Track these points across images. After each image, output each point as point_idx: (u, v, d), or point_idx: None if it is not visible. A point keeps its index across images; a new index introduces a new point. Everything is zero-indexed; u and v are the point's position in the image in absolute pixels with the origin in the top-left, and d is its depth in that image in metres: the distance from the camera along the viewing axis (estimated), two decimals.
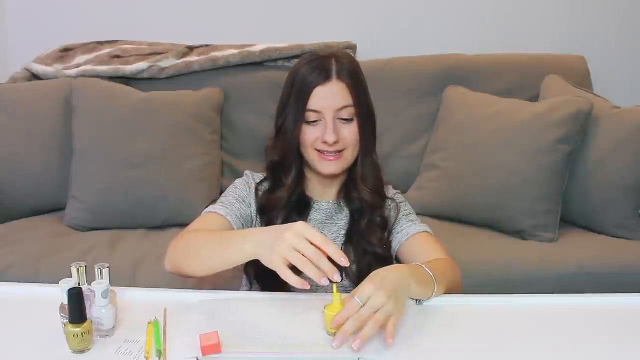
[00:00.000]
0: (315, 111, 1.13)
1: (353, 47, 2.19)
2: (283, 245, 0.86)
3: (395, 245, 1.21)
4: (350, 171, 1.21)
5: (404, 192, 1.96)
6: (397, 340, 0.91)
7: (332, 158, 1.15)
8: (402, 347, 0.90)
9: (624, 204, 1.77)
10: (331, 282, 0.86)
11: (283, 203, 1.18)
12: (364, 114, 1.16)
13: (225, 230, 1.11)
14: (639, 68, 2.42)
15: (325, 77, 1.12)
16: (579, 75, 2.12)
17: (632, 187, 1.75)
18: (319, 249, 0.85)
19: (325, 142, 1.13)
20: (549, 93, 2.01)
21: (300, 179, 1.21)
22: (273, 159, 1.20)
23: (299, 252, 0.85)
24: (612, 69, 2.35)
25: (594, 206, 1.81)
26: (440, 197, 1.92)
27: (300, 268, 0.85)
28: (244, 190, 1.22)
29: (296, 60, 1.27)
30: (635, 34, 2.41)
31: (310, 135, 1.14)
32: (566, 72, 2.10)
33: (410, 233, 1.20)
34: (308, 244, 0.85)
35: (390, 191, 1.29)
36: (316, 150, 1.16)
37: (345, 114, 1.14)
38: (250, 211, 1.21)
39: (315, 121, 1.14)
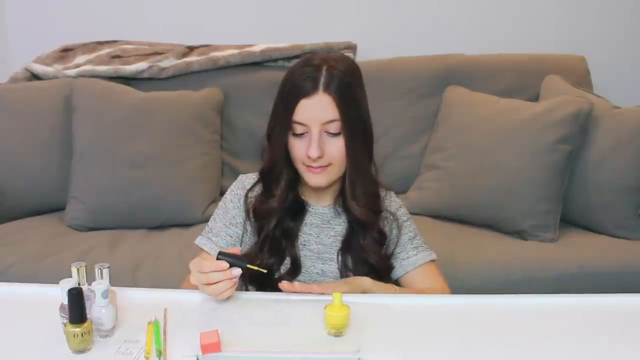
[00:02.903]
0: (300, 123, 1.09)
1: (353, 47, 2.19)
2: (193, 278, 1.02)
3: (400, 272, 1.21)
4: (344, 182, 1.18)
5: (404, 192, 1.98)
6: (397, 340, 0.91)
7: (317, 171, 1.12)
8: (402, 347, 0.90)
9: (624, 204, 1.77)
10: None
11: (274, 211, 1.17)
12: (353, 128, 1.10)
13: None
14: (639, 68, 2.42)
15: (311, 89, 1.07)
16: (579, 75, 2.12)
17: (632, 187, 1.75)
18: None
19: (309, 157, 1.10)
20: (549, 93, 2.01)
21: (294, 184, 1.19)
22: (264, 166, 1.19)
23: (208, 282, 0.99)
24: (612, 69, 2.34)
25: (594, 206, 1.80)
26: (440, 197, 1.92)
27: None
28: (233, 208, 1.22)
29: (296, 60, 1.24)
30: (635, 34, 2.40)
31: (298, 150, 1.11)
32: (566, 72, 2.09)
33: (418, 263, 1.21)
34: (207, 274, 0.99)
35: (394, 202, 1.25)
36: (304, 164, 1.13)
37: (332, 128, 1.08)
38: (241, 227, 1.21)
39: (302, 133, 1.10)
